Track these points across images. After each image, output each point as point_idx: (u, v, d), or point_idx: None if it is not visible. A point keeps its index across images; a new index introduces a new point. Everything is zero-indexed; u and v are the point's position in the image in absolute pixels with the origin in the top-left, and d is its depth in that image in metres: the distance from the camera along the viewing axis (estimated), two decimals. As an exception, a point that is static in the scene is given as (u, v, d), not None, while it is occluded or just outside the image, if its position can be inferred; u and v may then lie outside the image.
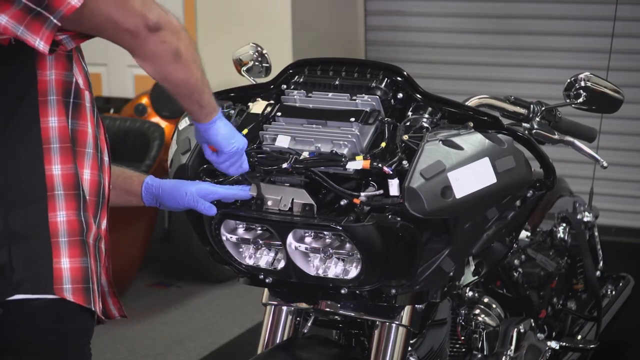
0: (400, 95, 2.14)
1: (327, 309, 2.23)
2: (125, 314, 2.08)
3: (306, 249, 2.07)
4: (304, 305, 2.25)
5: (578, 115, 2.46)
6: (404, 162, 2.00)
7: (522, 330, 2.77)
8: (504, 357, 2.70)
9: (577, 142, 2.45)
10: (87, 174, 1.88)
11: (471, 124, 2.08)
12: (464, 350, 2.68)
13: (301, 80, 2.21)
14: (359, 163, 2.00)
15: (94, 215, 1.90)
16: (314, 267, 2.08)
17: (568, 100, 2.35)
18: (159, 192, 2.17)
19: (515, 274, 2.92)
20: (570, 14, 5.91)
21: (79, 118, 1.87)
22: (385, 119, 2.08)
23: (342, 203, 2.05)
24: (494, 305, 2.71)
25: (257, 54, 2.52)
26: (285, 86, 2.22)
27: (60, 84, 1.84)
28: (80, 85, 1.88)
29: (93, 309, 1.86)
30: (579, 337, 3.27)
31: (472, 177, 1.98)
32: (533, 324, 2.90)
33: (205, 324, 4.60)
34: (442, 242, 2.07)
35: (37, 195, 1.82)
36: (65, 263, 1.82)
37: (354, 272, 2.05)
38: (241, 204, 2.10)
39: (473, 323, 2.64)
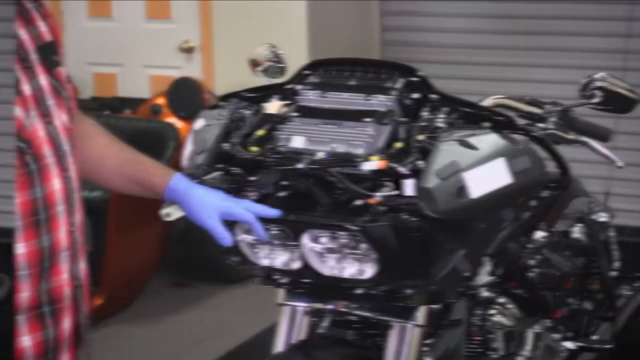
0: (415, 95, 2.14)
1: (343, 309, 2.23)
2: None
3: (321, 249, 2.07)
4: (319, 305, 2.26)
5: (593, 115, 2.46)
6: (419, 162, 2.00)
7: (538, 331, 2.76)
8: (519, 358, 2.69)
9: (592, 142, 2.45)
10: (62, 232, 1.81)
11: (486, 124, 2.08)
12: (479, 350, 2.68)
13: (317, 80, 2.21)
14: (374, 163, 2.00)
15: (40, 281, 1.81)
16: (329, 267, 2.08)
17: (583, 101, 2.35)
18: (182, 202, 2.05)
19: (530, 274, 2.91)
20: (586, 14, 5.89)
21: (43, 181, 1.78)
22: (401, 119, 2.09)
23: (357, 203, 2.06)
24: (509, 306, 2.71)
25: (272, 54, 2.53)
26: (300, 86, 2.23)
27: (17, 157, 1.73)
28: (35, 148, 1.76)
29: None
30: (595, 337, 3.26)
31: (488, 177, 1.98)
32: (549, 324, 2.89)
33: (221, 324, 4.61)
34: (458, 242, 2.07)
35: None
36: (26, 341, 1.79)
37: (369, 272, 2.05)
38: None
39: (489, 323, 2.64)
